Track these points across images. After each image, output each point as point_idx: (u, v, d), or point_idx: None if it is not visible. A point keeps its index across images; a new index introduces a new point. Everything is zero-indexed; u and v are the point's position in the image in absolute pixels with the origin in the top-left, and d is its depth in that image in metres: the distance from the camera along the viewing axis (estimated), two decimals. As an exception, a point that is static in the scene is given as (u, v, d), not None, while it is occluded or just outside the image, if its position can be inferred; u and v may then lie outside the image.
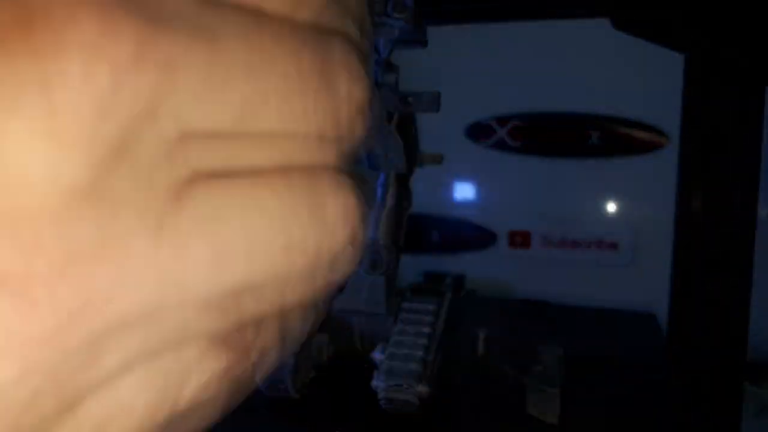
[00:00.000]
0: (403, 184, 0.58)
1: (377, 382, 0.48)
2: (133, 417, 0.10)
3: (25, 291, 0.09)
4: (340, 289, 0.57)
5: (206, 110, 0.11)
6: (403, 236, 0.57)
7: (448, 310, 0.54)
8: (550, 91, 1.41)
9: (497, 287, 1.46)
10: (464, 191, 1.50)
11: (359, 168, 0.15)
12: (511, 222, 1.45)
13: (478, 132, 1.46)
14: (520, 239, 1.44)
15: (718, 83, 0.80)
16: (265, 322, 0.13)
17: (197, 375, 0.11)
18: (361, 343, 0.55)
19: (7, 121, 0.08)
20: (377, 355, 0.51)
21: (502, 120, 1.44)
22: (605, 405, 0.53)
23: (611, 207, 1.38)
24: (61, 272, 0.09)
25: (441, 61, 1.48)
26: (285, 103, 0.12)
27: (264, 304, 0.12)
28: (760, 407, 1.14)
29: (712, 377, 0.80)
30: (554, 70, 1.41)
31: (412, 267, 1.48)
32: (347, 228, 0.13)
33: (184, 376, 0.11)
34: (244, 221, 0.11)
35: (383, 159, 0.56)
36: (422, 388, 0.47)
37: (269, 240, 0.12)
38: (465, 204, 1.50)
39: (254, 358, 0.13)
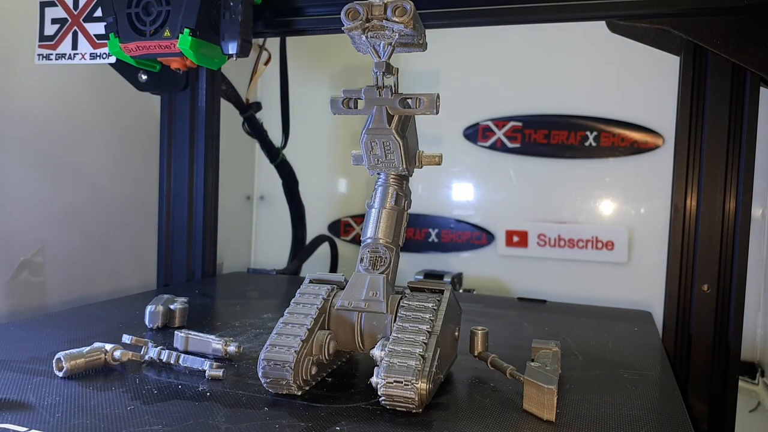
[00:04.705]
0: (402, 185, 0.59)
1: (377, 379, 0.49)
2: None
3: None
4: (342, 287, 0.58)
5: None
6: (403, 235, 0.58)
7: (446, 308, 0.55)
8: (547, 93, 1.42)
9: (495, 286, 1.47)
10: (463, 191, 1.51)
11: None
12: (508, 221, 1.46)
13: (476, 133, 1.47)
14: (517, 238, 1.45)
15: (713, 85, 0.81)
16: None
17: None
18: (361, 340, 0.56)
19: None
20: (377, 352, 0.52)
21: (499, 122, 1.45)
22: (601, 401, 0.54)
23: (607, 207, 1.39)
24: None
25: (440, 64, 1.49)
26: None
27: None
28: (754, 403, 1.15)
29: (707, 374, 0.81)
30: (551, 73, 1.42)
31: (411, 266, 1.49)
32: None
33: None
34: None
35: (383, 159, 0.57)
36: (421, 385, 0.48)
37: None
38: (463, 204, 1.51)
39: None
